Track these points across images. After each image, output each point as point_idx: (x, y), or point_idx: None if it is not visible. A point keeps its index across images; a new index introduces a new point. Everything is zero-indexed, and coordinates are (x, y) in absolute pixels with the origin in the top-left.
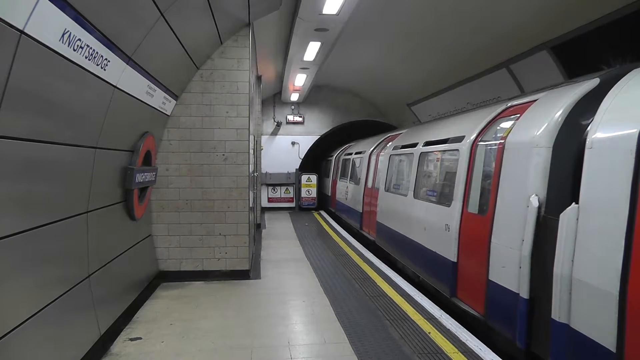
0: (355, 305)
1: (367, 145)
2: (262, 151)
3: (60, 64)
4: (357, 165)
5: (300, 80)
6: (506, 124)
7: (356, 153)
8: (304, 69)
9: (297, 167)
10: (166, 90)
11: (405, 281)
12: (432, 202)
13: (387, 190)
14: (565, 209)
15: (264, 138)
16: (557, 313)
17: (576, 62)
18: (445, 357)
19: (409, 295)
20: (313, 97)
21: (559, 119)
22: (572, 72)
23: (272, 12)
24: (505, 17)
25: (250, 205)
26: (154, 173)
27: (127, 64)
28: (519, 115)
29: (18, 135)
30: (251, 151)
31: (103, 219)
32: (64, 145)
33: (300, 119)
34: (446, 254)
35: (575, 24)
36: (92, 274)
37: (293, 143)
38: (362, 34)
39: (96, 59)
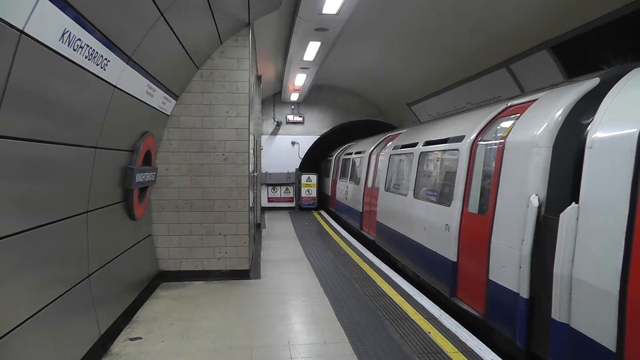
0: (355, 305)
1: (367, 145)
2: (262, 151)
3: (60, 63)
4: (357, 165)
5: (300, 80)
6: (506, 124)
7: (356, 153)
8: (304, 68)
9: (297, 167)
10: (166, 90)
11: (405, 281)
12: (432, 201)
13: (387, 190)
14: (565, 208)
15: (264, 138)
16: (557, 313)
17: (576, 62)
18: (445, 357)
19: (409, 295)
20: (313, 96)
21: (559, 119)
22: (572, 71)
23: (272, 12)
24: (505, 16)
25: (250, 205)
26: (154, 173)
27: (127, 63)
28: (519, 114)
29: (18, 135)
30: (251, 151)
31: (103, 218)
32: (64, 145)
33: (300, 119)
34: (446, 254)
35: (575, 23)
36: (92, 273)
37: (293, 143)
38: (362, 34)
39: (96, 58)
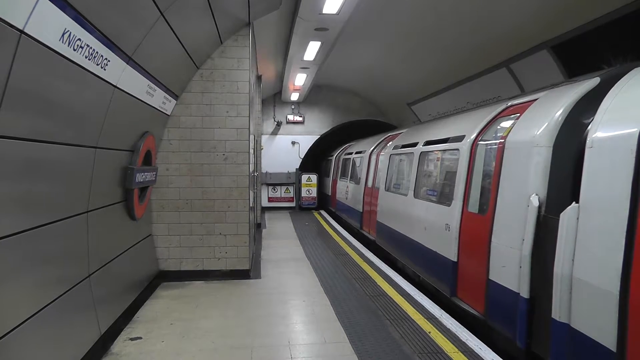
0: (356, 304)
1: (367, 145)
2: (262, 151)
3: (60, 63)
4: (357, 164)
5: (300, 79)
6: (506, 124)
7: (356, 153)
8: (304, 68)
9: (297, 167)
10: (166, 90)
11: (406, 281)
12: (432, 201)
13: (387, 189)
14: (565, 208)
15: (264, 138)
16: (558, 313)
17: (576, 62)
18: (445, 357)
19: (409, 294)
20: (313, 96)
21: (559, 119)
22: (573, 71)
23: (272, 12)
24: (505, 16)
25: (251, 205)
26: (154, 173)
27: (127, 63)
28: (519, 114)
29: (18, 135)
30: (251, 151)
31: (103, 218)
32: (64, 145)
33: (300, 119)
34: (446, 254)
35: (575, 23)
36: (93, 273)
37: (293, 143)
38: (362, 34)
39: (96, 58)
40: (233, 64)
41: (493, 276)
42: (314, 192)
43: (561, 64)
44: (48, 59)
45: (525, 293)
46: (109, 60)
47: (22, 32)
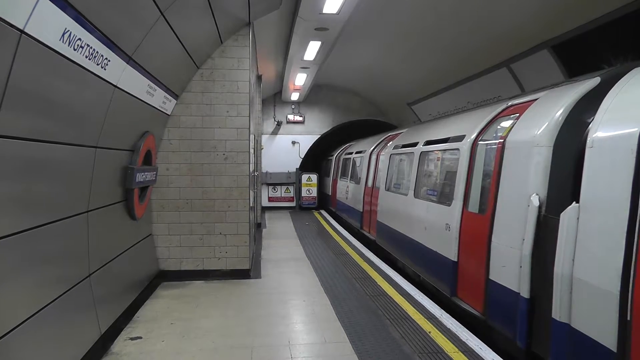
0: (356, 304)
1: (367, 145)
2: (262, 150)
3: (60, 63)
4: (357, 164)
5: (300, 79)
6: (506, 123)
7: (356, 152)
8: (304, 68)
9: (298, 167)
10: (166, 89)
11: (406, 280)
12: (432, 201)
13: (387, 189)
14: (565, 208)
15: (264, 137)
16: (558, 312)
17: (577, 61)
18: (445, 357)
19: (409, 294)
20: (313, 96)
21: (560, 118)
22: (573, 71)
23: (272, 12)
24: (505, 16)
25: (251, 205)
26: (155, 172)
27: (128, 63)
28: (519, 114)
29: (18, 135)
30: (251, 150)
31: (103, 218)
32: (65, 145)
33: (300, 119)
34: (446, 254)
35: (575, 23)
36: (93, 273)
37: (293, 142)
38: (362, 34)
39: (96, 58)
40: (233, 64)
41: (493, 276)
42: (314, 192)
43: (561, 64)
44: (48, 58)
45: (525, 293)
46: (109, 60)
47: (22, 31)
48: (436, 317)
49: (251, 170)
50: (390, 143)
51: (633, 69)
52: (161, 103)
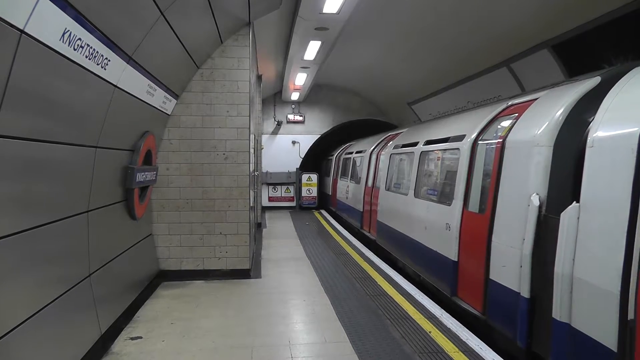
0: (356, 304)
1: (367, 145)
2: (262, 150)
3: (60, 63)
4: (357, 164)
5: (300, 79)
6: (507, 123)
7: (357, 152)
8: (304, 68)
9: (298, 166)
10: (166, 89)
11: (406, 280)
12: (432, 201)
13: (387, 189)
14: (566, 207)
15: (264, 137)
16: (558, 312)
17: (577, 61)
18: (446, 357)
19: (409, 294)
20: (313, 96)
21: (560, 118)
22: (573, 70)
23: (272, 12)
24: (505, 16)
25: (251, 205)
26: (155, 172)
27: (128, 63)
28: (519, 114)
29: (19, 135)
30: (252, 150)
31: (104, 218)
32: (65, 145)
33: (300, 118)
34: (447, 253)
35: (575, 22)
36: (93, 273)
37: (293, 142)
38: (362, 33)
39: (97, 58)
40: (233, 64)
41: (493, 276)
42: (314, 192)
43: (562, 64)
44: (48, 58)
45: (525, 293)
46: (109, 60)
47: (22, 31)
48: (436, 317)
49: (251, 170)
50: (390, 143)
51: (633, 68)
52: (161, 103)
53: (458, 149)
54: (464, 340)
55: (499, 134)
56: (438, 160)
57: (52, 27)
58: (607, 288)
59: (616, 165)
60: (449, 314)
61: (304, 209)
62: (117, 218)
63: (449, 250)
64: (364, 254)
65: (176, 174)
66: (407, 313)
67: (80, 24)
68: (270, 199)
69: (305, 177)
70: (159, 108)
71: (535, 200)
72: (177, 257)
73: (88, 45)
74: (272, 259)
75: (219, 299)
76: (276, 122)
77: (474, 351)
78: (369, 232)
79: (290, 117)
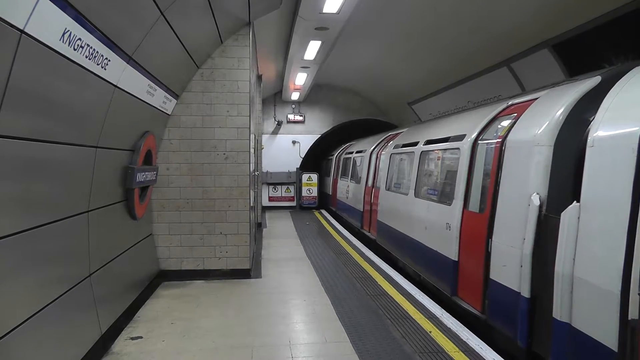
0: (356, 304)
1: (367, 144)
2: (262, 150)
3: (60, 63)
4: (357, 164)
5: (300, 79)
6: (507, 123)
7: (357, 152)
8: (304, 68)
9: (298, 166)
10: (167, 89)
11: (406, 280)
12: (433, 201)
13: (388, 189)
14: (566, 207)
15: (264, 137)
16: (559, 312)
17: (577, 61)
18: (446, 356)
19: (409, 294)
20: (313, 96)
21: (560, 118)
22: (574, 70)
23: (272, 11)
24: (505, 16)
25: (251, 205)
26: (155, 172)
27: (128, 63)
28: (520, 113)
29: (19, 135)
30: (252, 150)
31: (104, 218)
32: (65, 145)
33: (300, 118)
34: (447, 253)
35: (575, 22)
36: (93, 273)
37: (294, 142)
38: (362, 33)
39: (97, 58)
40: (233, 64)
41: (494, 275)
42: (314, 192)
43: (562, 63)
44: (48, 58)
45: (526, 292)
46: (109, 60)
47: (22, 31)
48: (437, 317)
49: (251, 169)
50: (390, 142)
51: (633, 68)
52: (161, 103)
53: (458, 148)
54: (464, 340)
55: (499, 133)
56: (438, 160)
57: (52, 27)
58: (607, 288)
59: (616, 164)
60: (449, 314)
61: (304, 208)
62: (118, 218)
63: (449, 250)
64: (364, 253)
65: (176, 173)
66: (407, 313)
67: (80, 24)
68: (271, 198)
69: (305, 176)
70: (159, 108)
71: (536, 200)
72: (177, 257)
73: (88, 45)
74: (272, 258)
75: (219, 298)
76: (276, 122)
77: (474, 351)
78: (369, 232)
79: (291, 117)
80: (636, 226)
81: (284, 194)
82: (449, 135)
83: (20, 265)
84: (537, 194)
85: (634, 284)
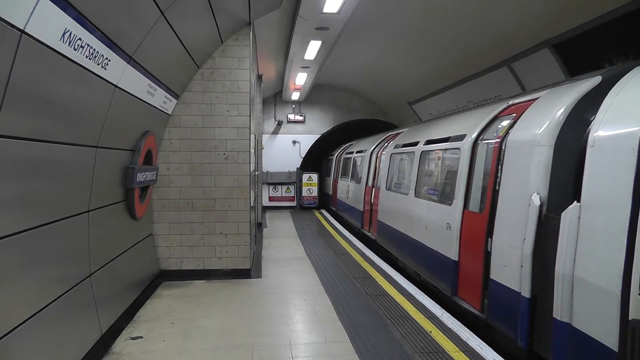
0: (357, 304)
1: (368, 144)
2: (263, 150)
3: (61, 63)
4: (358, 164)
5: (301, 79)
6: (507, 123)
7: (357, 152)
8: (304, 67)
9: (298, 166)
10: (167, 89)
11: (407, 280)
12: (433, 200)
13: (388, 189)
14: (566, 207)
15: (265, 137)
16: (559, 312)
17: (578, 60)
18: (446, 356)
19: (410, 294)
20: (314, 96)
21: (561, 117)
22: (574, 70)
23: (272, 11)
24: (506, 16)
25: (252, 204)
26: (155, 172)
27: (128, 63)
28: (520, 113)
29: (19, 135)
30: (252, 150)
31: (104, 218)
32: (65, 145)
33: (301, 118)
34: (447, 253)
35: (576, 22)
36: (94, 273)
37: (294, 142)
38: (362, 33)
39: (97, 58)
40: (234, 64)
41: (494, 275)
42: (314, 192)
43: (562, 63)
44: (49, 58)
45: (526, 292)
46: (109, 60)
47: (22, 31)
48: (437, 317)
49: (252, 169)
50: (390, 142)
51: (634, 68)
52: (162, 103)
53: (459, 148)
54: (464, 340)
55: (500, 133)
56: (438, 160)
57: (52, 27)
58: (608, 288)
59: (617, 164)
60: (449, 314)
61: (304, 208)
62: (118, 218)
63: (450, 249)
64: (364, 253)
65: (177, 173)
66: (407, 313)
67: (80, 24)
68: (271, 198)
69: (305, 176)
70: (159, 108)
71: (536, 200)
72: (177, 257)
73: (88, 45)
74: (272, 258)
75: (220, 298)
76: (277, 122)
77: (475, 351)
78: (370, 232)
79: (291, 116)
80: (637, 226)
81: (284, 194)
82: (449, 135)
83: (20, 265)
84: (538, 194)
85: (635, 284)
